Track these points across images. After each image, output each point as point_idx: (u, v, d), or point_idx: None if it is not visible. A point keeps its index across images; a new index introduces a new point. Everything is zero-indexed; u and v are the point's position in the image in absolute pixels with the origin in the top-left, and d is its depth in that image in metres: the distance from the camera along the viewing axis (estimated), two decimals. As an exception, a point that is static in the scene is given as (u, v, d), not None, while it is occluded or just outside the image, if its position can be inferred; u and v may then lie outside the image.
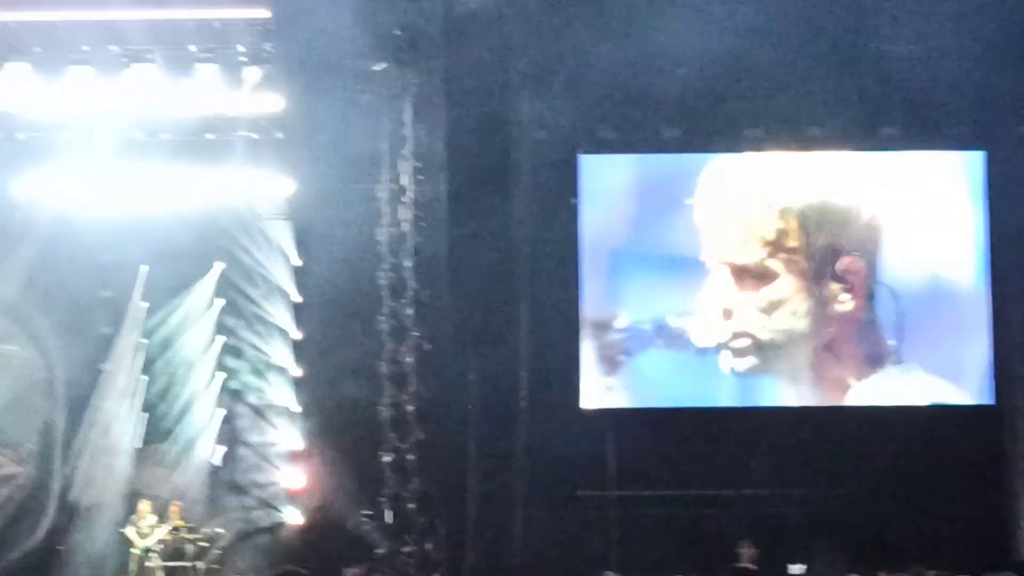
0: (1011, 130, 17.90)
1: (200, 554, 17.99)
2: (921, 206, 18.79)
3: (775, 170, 18.97)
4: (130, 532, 17.92)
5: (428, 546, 17.75)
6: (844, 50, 17.70)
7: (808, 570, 16.02)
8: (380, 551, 18.03)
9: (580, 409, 18.37)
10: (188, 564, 17.80)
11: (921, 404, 18.32)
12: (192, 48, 18.04)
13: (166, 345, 20.29)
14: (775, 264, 18.44)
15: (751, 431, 18.03)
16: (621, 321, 18.88)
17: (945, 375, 18.49)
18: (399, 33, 17.54)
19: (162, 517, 17.97)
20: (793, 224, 18.58)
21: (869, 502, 17.16)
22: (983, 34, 16.69)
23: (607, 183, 19.12)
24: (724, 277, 18.40)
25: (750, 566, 14.08)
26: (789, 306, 18.57)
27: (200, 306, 20.09)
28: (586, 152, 18.72)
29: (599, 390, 18.66)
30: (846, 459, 17.60)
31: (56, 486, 19.67)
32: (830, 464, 17.68)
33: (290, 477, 19.02)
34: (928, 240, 18.70)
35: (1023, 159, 17.92)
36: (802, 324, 18.53)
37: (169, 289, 19.94)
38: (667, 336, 18.65)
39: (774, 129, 18.48)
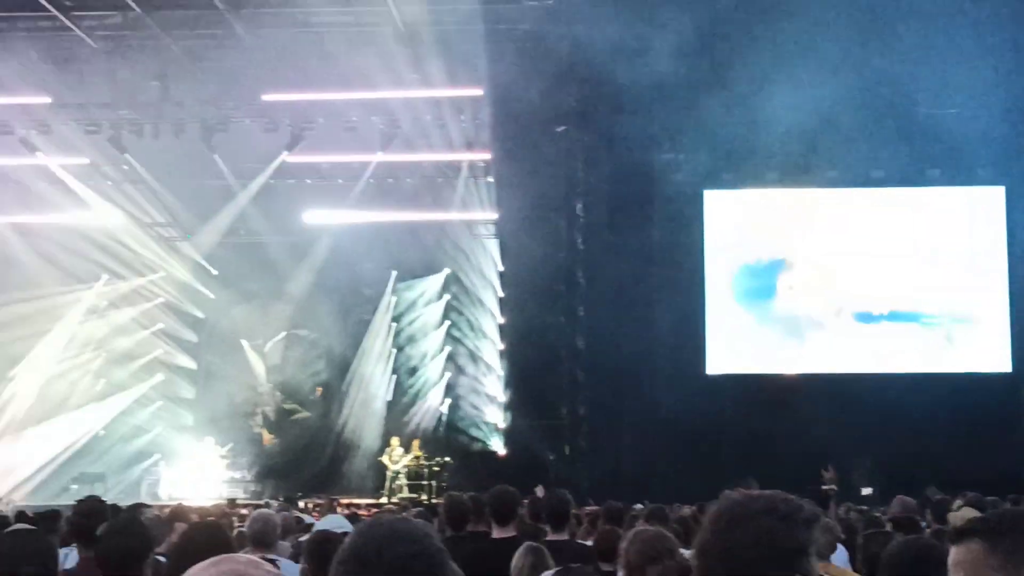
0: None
1: (434, 475, 21.63)
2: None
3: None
4: (385, 459, 21.77)
5: (595, 474, 20.62)
6: (899, 109, 20.06)
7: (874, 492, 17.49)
8: (560, 473, 20.79)
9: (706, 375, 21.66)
10: (425, 483, 21.45)
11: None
12: (428, 118, 21.87)
13: (409, 326, 24.42)
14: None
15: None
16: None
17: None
18: (574, 104, 21.05)
19: (407, 449, 21.94)
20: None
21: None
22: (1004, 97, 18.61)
23: (724, 210, 22.46)
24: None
25: (833, 487, 13.99)
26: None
27: (432, 298, 24.17)
28: (709, 188, 21.90)
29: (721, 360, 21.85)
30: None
31: (333, 426, 23.93)
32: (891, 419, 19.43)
33: (497, 420, 22.94)
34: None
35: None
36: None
37: (411, 286, 24.12)
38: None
39: (846, 169, 21.27)
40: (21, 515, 10.88)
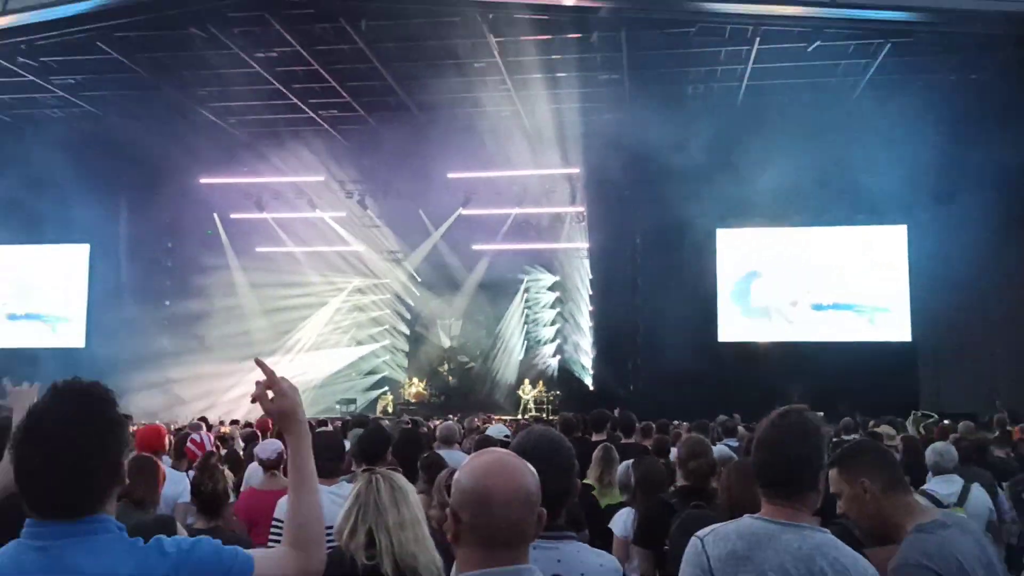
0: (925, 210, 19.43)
1: (550, 402, 22.58)
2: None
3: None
4: (520, 392, 23.08)
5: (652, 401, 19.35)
6: (839, 177, 19.32)
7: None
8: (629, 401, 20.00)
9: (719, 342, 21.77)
10: (545, 406, 22.20)
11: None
12: (546, 185, 22.76)
13: (535, 310, 25.15)
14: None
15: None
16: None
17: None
18: (635, 177, 20.53)
19: (533, 385, 23.18)
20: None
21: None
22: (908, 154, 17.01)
23: (729, 241, 22.48)
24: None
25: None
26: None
27: (548, 301, 24.95)
28: (720, 227, 22.04)
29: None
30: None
31: (489, 371, 24.85)
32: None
33: (588, 368, 23.32)
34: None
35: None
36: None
37: (537, 279, 24.84)
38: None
39: (806, 215, 21.44)
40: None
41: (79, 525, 1.73)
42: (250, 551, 1.91)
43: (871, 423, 11.06)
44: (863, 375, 18.83)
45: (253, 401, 2.07)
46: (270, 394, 2.07)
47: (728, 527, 2.24)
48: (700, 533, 2.28)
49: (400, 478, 3.07)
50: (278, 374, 2.11)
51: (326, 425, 9.95)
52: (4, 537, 1.81)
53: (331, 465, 4.01)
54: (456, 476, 1.70)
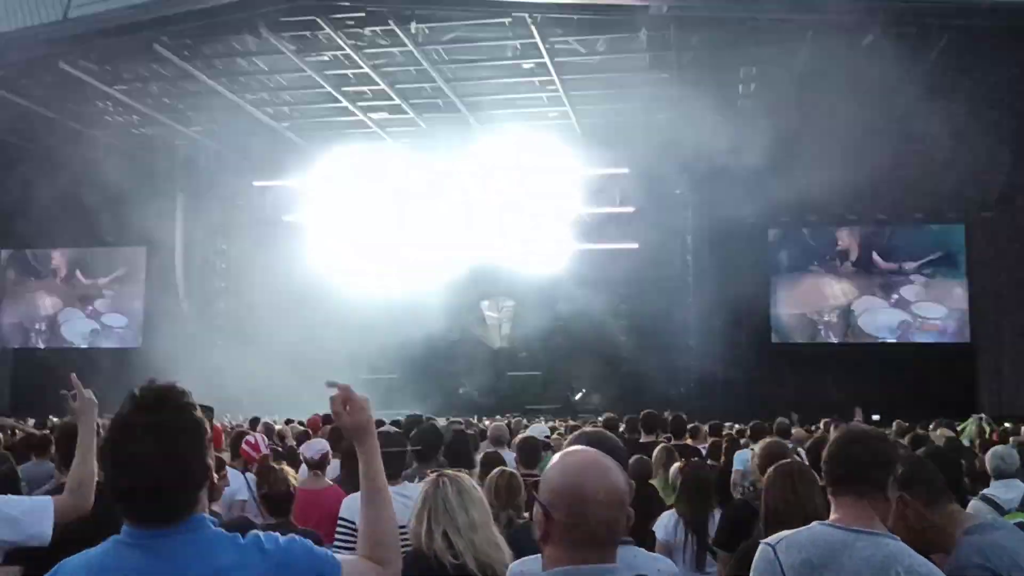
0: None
1: (602, 402, 21.58)
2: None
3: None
4: (570, 393, 22.99)
5: (702, 402, 19.66)
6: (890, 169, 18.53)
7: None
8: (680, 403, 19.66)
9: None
10: (596, 407, 21.32)
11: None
12: (595, 187, 22.35)
13: None
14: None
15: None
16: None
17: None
18: (686, 177, 21.05)
19: (584, 386, 23.16)
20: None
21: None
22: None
23: (786, 243, 22.52)
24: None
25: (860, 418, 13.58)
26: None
27: None
28: (772, 228, 22.13)
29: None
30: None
31: (540, 370, 24.07)
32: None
33: None
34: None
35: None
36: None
37: None
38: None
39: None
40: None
41: (180, 527, 1.75)
42: (337, 556, 1.97)
43: (929, 426, 10.64)
44: (919, 377, 18.83)
45: (329, 420, 2.10)
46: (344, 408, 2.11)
47: (801, 535, 2.22)
48: (771, 540, 2.26)
49: (466, 480, 3.12)
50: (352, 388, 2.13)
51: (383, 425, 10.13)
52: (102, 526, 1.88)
53: (396, 466, 4.08)
54: (546, 474, 1.71)
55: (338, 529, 4.04)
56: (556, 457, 1.76)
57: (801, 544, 2.19)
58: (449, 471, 3.22)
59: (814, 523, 2.26)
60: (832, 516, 2.26)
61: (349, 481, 5.17)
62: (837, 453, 2.32)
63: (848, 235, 21.96)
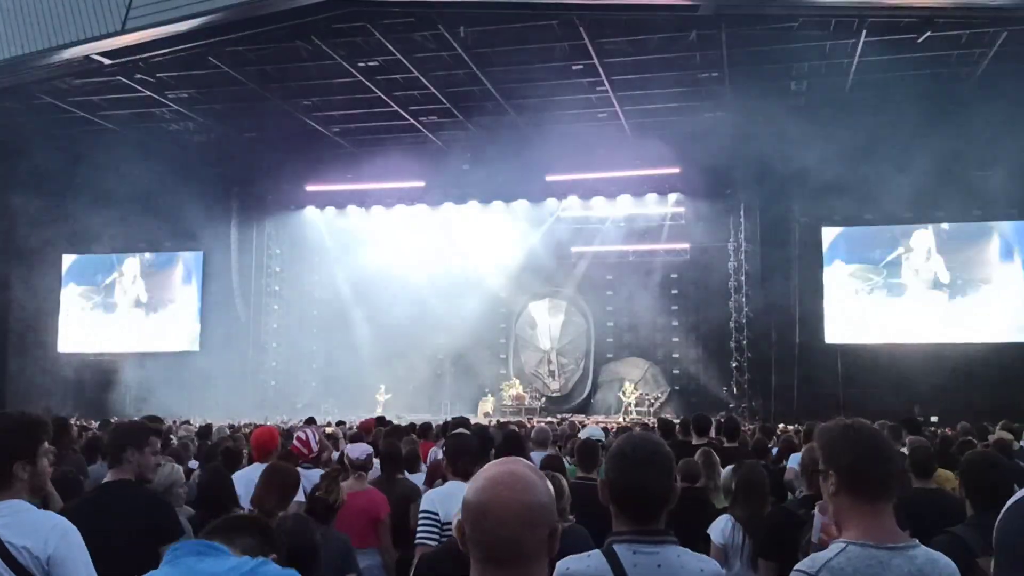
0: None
1: (653, 404, 22.39)
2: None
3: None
4: (621, 394, 22.77)
5: (753, 403, 21.14)
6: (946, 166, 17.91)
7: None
8: (731, 404, 21.17)
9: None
10: (646, 409, 21.98)
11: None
12: (645, 186, 22.62)
13: None
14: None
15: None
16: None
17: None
18: (736, 177, 20.99)
19: (635, 387, 22.95)
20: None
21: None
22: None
23: (840, 242, 21.78)
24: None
25: (919, 416, 13.81)
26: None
27: None
28: (825, 226, 21.62)
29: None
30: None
31: (590, 372, 24.27)
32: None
33: None
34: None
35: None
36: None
37: None
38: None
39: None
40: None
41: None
42: None
43: (992, 427, 10.19)
44: (980, 377, 18.51)
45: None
46: None
47: (840, 560, 2.13)
48: (808, 568, 2.15)
49: None
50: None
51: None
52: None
53: (468, 467, 4.25)
54: (467, 487, 1.67)
55: (420, 521, 4.22)
56: (479, 471, 1.71)
57: (842, 570, 2.11)
58: None
59: (846, 544, 2.15)
60: (861, 530, 2.16)
61: (388, 482, 5.47)
62: (869, 454, 2.20)
63: (903, 232, 21.58)
